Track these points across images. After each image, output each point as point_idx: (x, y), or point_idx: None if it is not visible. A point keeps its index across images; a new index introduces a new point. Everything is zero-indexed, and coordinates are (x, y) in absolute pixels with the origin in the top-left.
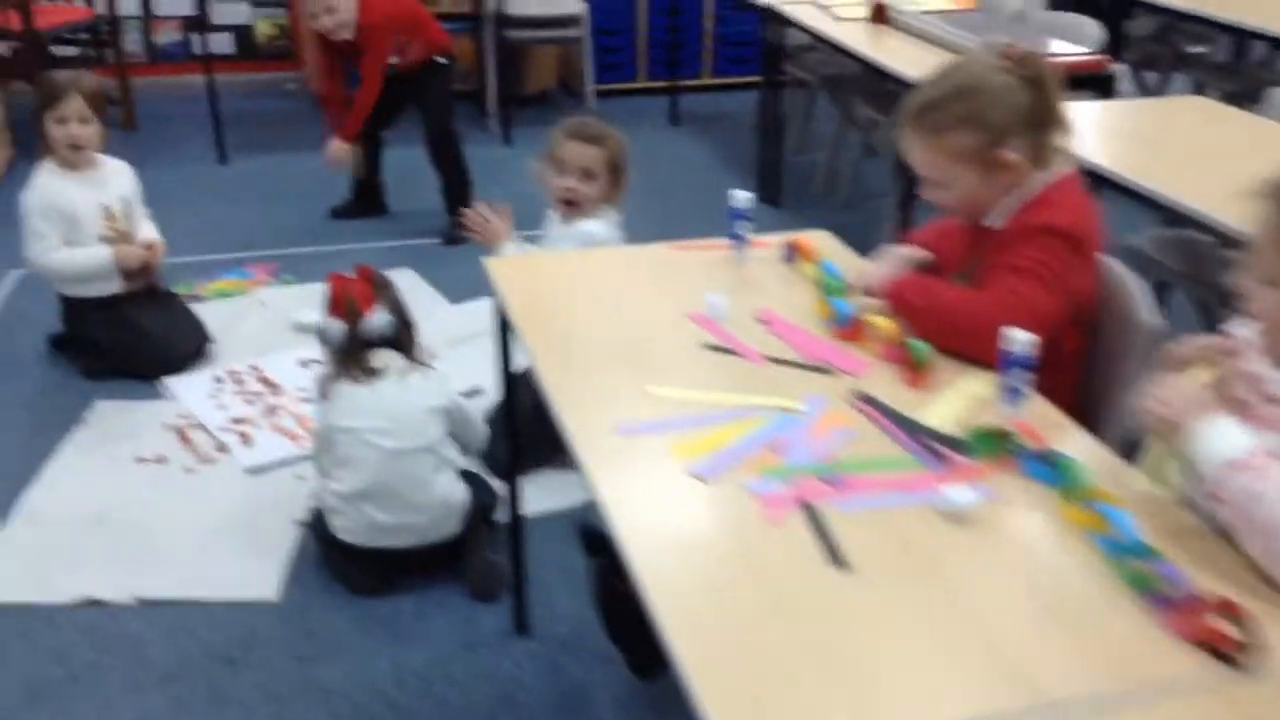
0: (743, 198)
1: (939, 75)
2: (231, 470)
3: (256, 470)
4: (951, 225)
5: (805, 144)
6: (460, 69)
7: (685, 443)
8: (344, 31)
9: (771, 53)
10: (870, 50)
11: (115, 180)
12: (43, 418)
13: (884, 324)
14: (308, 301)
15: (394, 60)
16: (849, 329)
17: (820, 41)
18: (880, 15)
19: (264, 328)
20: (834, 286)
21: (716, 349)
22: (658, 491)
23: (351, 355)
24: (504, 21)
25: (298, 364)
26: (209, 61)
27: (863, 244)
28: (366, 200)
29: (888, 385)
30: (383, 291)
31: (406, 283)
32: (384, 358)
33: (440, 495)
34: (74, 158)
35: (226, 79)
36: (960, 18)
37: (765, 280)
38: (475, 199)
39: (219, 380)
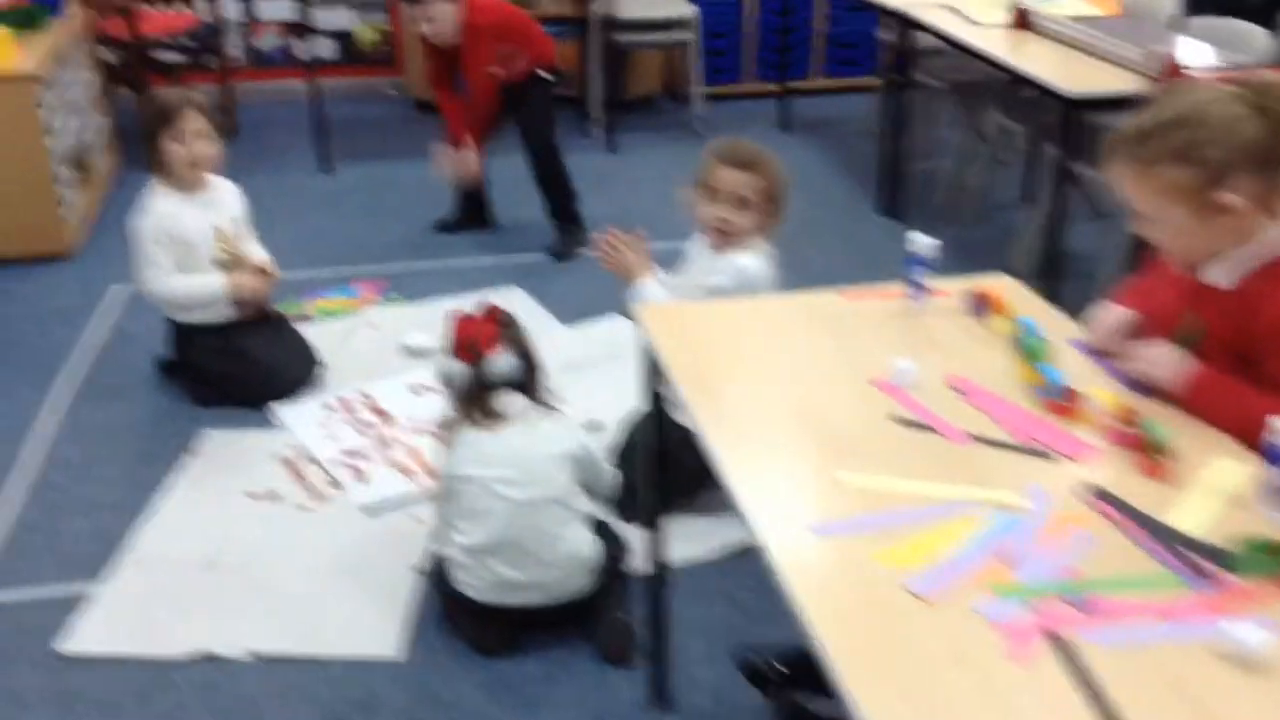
0: (924, 243)
1: (1160, 100)
2: (345, 508)
3: (372, 510)
4: (1161, 280)
5: (925, 152)
6: (562, 73)
7: (893, 547)
8: (445, 38)
9: (896, 57)
10: (1011, 57)
11: (226, 200)
12: (151, 446)
13: (1107, 398)
14: (416, 322)
15: (497, 72)
16: (1063, 402)
17: (953, 46)
18: (1022, 21)
19: (373, 350)
20: (1036, 348)
21: (909, 423)
22: (872, 611)
23: (475, 399)
24: (611, 25)
25: (409, 391)
26: (313, 67)
27: (992, 262)
28: (472, 213)
29: (1120, 475)
30: (507, 332)
31: (516, 303)
32: (509, 401)
33: (570, 549)
34: (193, 177)
35: (328, 84)
36: (1109, 23)
37: (951, 337)
38: (581, 211)
39: (329, 408)
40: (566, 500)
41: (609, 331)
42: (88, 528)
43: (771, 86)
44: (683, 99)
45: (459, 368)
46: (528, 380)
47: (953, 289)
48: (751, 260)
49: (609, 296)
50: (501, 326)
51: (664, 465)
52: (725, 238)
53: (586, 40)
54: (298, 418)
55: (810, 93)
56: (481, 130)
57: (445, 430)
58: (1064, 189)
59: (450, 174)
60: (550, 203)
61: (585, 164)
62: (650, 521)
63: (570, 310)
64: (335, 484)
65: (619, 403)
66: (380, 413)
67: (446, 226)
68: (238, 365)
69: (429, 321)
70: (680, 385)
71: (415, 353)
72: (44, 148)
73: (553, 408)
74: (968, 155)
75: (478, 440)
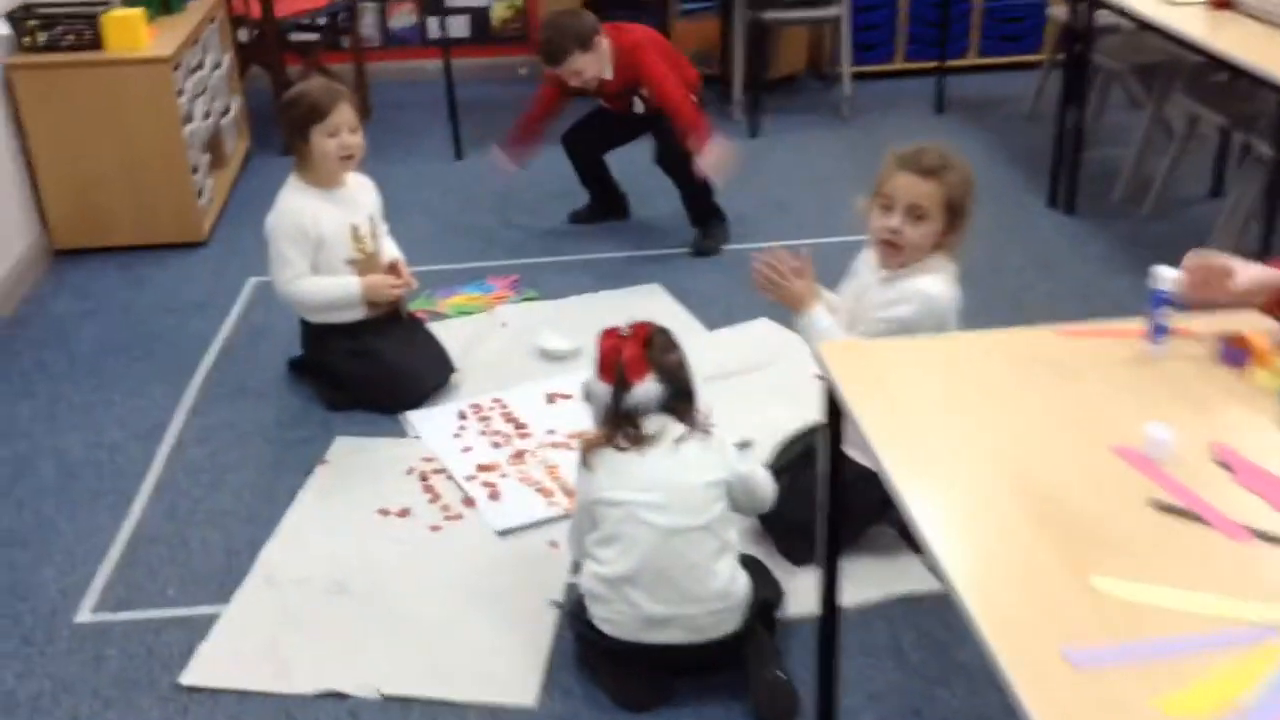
0: (1168, 277)
1: None
2: (478, 530)
3: (507, 532)
4: None
5: (1094, 139)
6: (702, 52)
7: (1180, 691)
8: (597, 78)
9: (1069, 34)
10: (1212, 39)
11: (362, 197)
12: (281, 452)
13: None
14: (552, 322)
15: (640, 108)
16: None
17: (1142, 26)
18: (1224, 0)
19: (506, 351)
20: None
21: (1171, 510)
22: None
23: (620, 421)
24: (757, 1)
25: (544, 399)
26: (447, 46)
27: (1173, 262)
28: (608, 204)
29: None
30: (659, 357)
31: (656, 303)
32: (657, 423)
33: (720, 584)
34: (342, 173)
35: (460, 64)
36: None
37: (1205, 393)
38: (719, 203)
39: (463, 416)
40: (717, 530)
41: (757, 337)
42: (216, 540)
43: (924, 64)
44: (829, 78)
45: (604, 389)
46: (679, 404)
47: (1199, 329)
48: (936, 284)
49: (755, 296)
50: (652, 351)
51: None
52: (894, 253)
53: (730, 16)
54: (431, 426)
55: (966, 71)
56: (592, 143)
57: (585, 451)
58: (1277, 185)
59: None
60: (690, 202)
61: None
62: (827, 562)
63: (714, 311)
64: (469, 501)
65: (769, 417)
66: (515, 422)
67: (581, 217)
68: (371, 369)
69: (565, 321)
70: (876, 443)
71: (551, 356)
72: (181, 136)
73: (706, 431)
74: (1149, 143)
75: (622, 462)
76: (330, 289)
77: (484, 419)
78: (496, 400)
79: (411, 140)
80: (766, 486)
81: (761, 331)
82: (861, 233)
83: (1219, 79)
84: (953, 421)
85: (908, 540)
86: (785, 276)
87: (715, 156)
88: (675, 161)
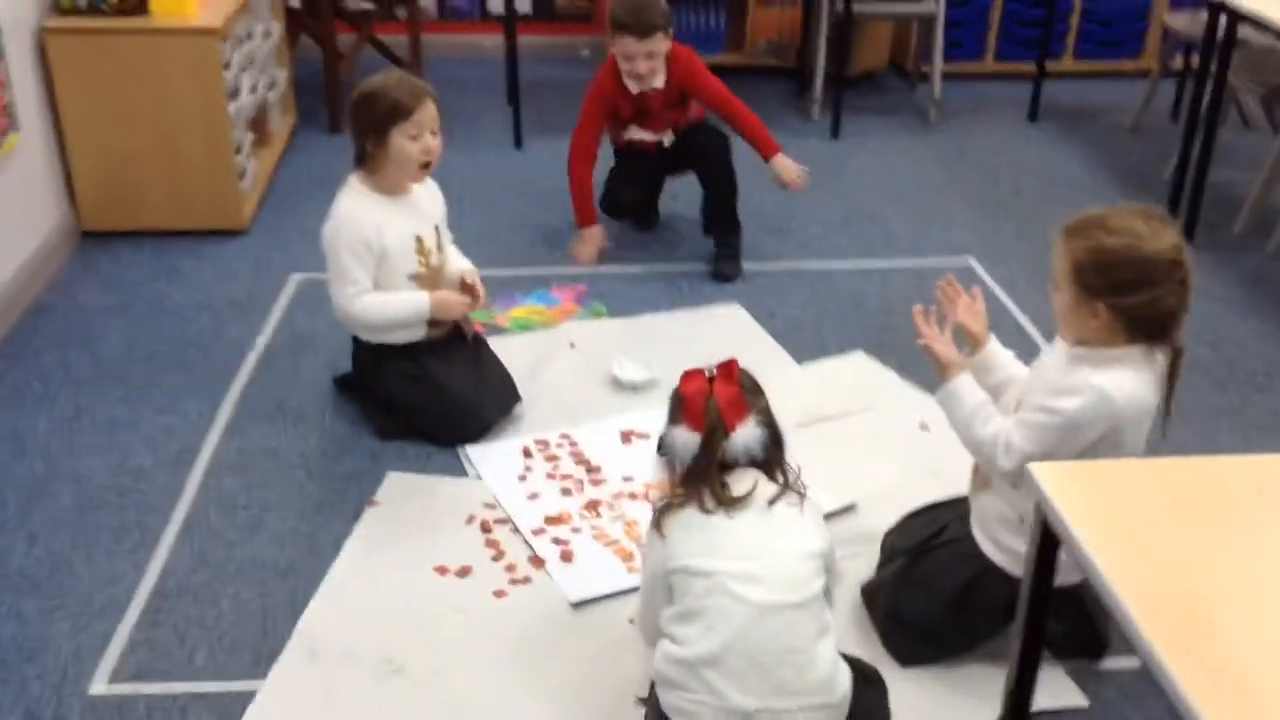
0: None
1: None
2: (548, 598)
3: (582, 604)
4: None
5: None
6: (779, 44)
7: None
8: (656, 80)
9: (1191, 48)
10: None
11: (429, 204)
12: (326, 488)
13: None
14: (624, 344)
15: (669, 140)
16: None
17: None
18: None
19: (573, 376)
20: None
21: None
22: None
23: (707, 478)
24: None
25: (619, 438)
26: (512, 22)
27: None
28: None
29: None
30: (756, 400)
31: (738, 327)
32: (748, 480)
33: (822, 674)
34: (420, 178)
35: (520, 41)
36: None
37: None
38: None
39: (528, 454)
40: (816, 611)
41: (855, 374)
42: (252, 597)
43: (1017, 66)
44: (912, 77)
45: (691, 439)
46: (774, 455)
47: None
48: (1119, 383)
49: (848, 322)
50: (748, 393)
51: (965, 602)
52: (1059, 328)
53: (813, 6)
54: (492, 464)
55: (1059, 75)
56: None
57: (661, 514)
58: None
59: (584, 261)
60: (724, 221)
61: (803, 150)
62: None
63: (802, 339)
64: (538, 561)
65: (867, 472)
66: (587, 465)
67: (646, 223)
68: (429, 397)
69: (638, 344)
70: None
71: (625, 386)
72: (226, 114)
73: (800, 492)
74: (1277, 172)
75: (707, 526)
76: (397, 306)
77: (552, 459)
78: (565, 436)
79: (467, 125)
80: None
81: (859, 367)
82: (959, 251)
83: None
84: (1237, 584)
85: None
86: (932, 337)
87: (793, 165)
88: (725, 199)
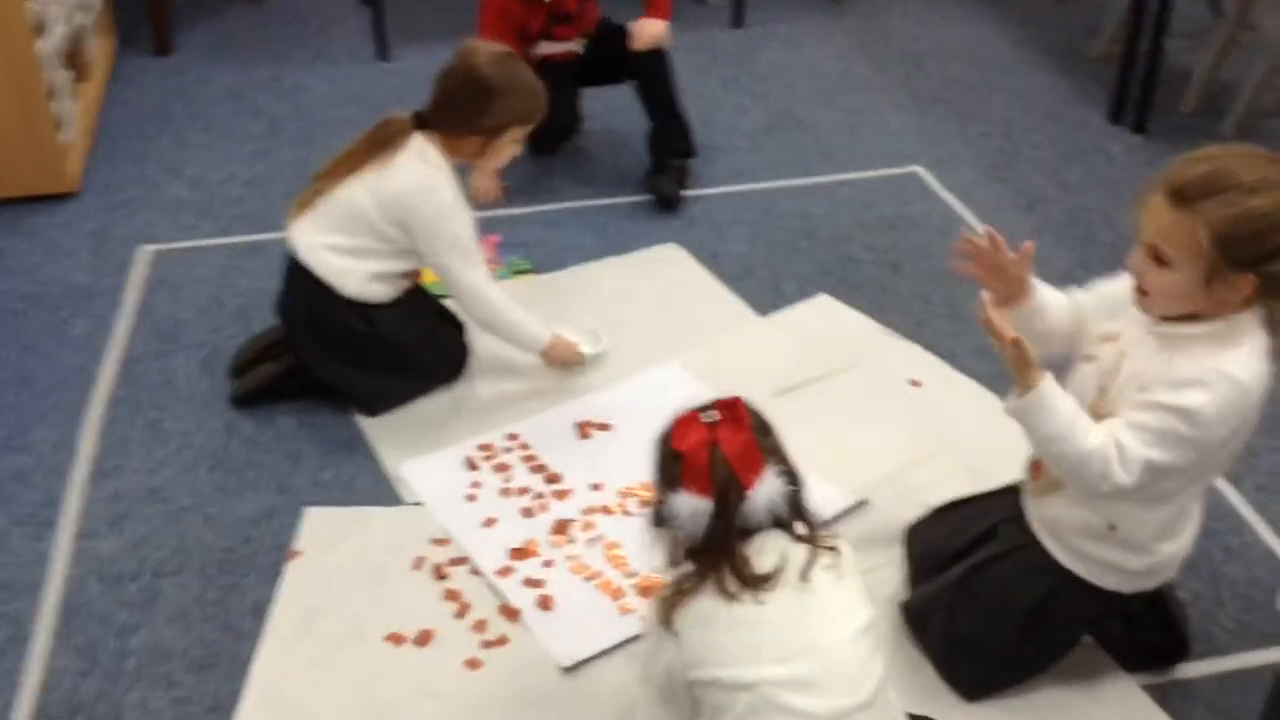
0: None
1: None
2: (533, 661)
3: (576, 666)
4: None
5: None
6: None
7: None
8: None
9: None
10: None
11: None
12: (230, 535)
13: None
14: (555, 307)
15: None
16: None
17: None
18: None
19: (508, 355)
20: None
21: None
22: None
23: (725, 552)
24: None
25: (575, 432)
26: None
27: None
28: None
29: None
30: (768, 442)
31: (684, 274)
32: (772, 549)
33: None
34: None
35: None
36: None
37: None
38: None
39: (472, 466)
40: (885, 706)
41: (828, 324)
42: (162, 707)
43: None
44: None
45: (699, 507)
46: (794, 510)
47: None
48: (1245, 364)
49: (798, 258)
50: (761, 434)
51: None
52: (1146, 301)
53: None
54: (434, 485)
55: None
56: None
57: (668, 609)
58: None
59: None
60: (674, 139)
61: (703, 42)
62: None
63: (755, 283)
64: (510, 611)
65: (871, 451)
66: (544, 471)
67: (543, 146)
68: (430, 331)
69: (573, 304)
70: None
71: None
72: (34, 55)
73: (832, 547)
74: (1228, 48)
75: (736, 619)
76: (523, 320)
77: (502, 469)
78: (512, 437)
79: (319, 36)
80: None
81: (828, 314)
82: (904, 160)
83: None
84: None
85: (1117, 655)
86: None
87: (657, 27)
88: (666, 105)
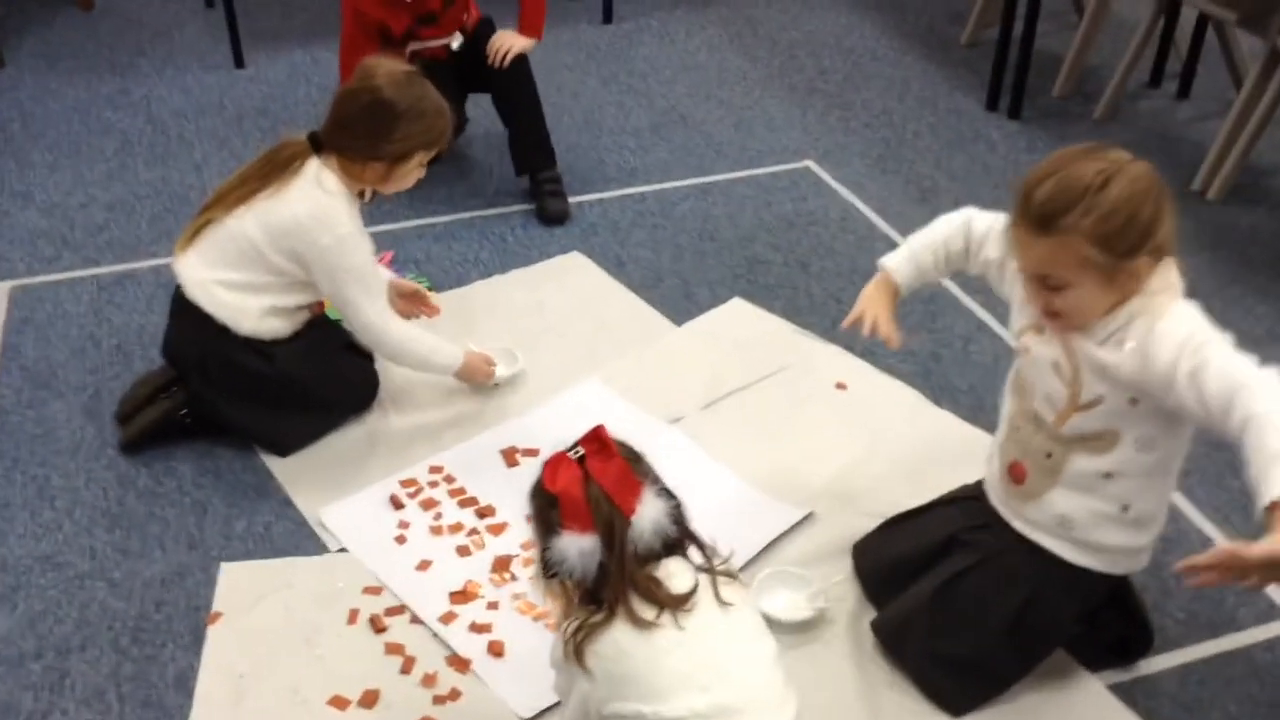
0: None
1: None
2: (491, 713)
3: (537, 717)
4: None
5: (989, 17)
6: None
7: None
8: None
9: None
10: None
11: None
12: (140, 600)
13: None
14: (461, 325)
15: (458, 41)
16: None
17: None
18: None
19: (417, 379)
20: None
21: None
22: None
23: (627, 582)
24: None
25: (500, 460)
26: None
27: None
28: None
29: None
30: (639, 465)
31: (590, 284)
32: (682, 572)
33: None
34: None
35: None
36: None
37: None
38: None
39: (397, 505)
40: None
41: (744, 329)
42: None
43: None
44: None
45: (585, 546)
46: (681, 530)
47: None
48: (1175, 317)
49: (704, 261)
50: (633, 459)
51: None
52: (1064, 325)
53: None
54: (358, 529)
55: None
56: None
57: (579, 640)
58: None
59: None
60: (538, 150)
61: (575, 39)
62: None
63: (666, 291)
64: (459, 662)
65: (807, 458)
66: (474, 505)
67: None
68: (330, 365)
69: (480, 323)
70: None
71: (491, 384)
72: None
73: (729, 574)
74: (1094, 30)
75: (654, 647)
76: (432, 347)
77: (429, 505)
78: (436, 469)
79: (163, 42)
80: None
81: (745, 319)
82: (795, 155)
83: None
84: None
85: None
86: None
87: (510, 42)
88: (529, 115)
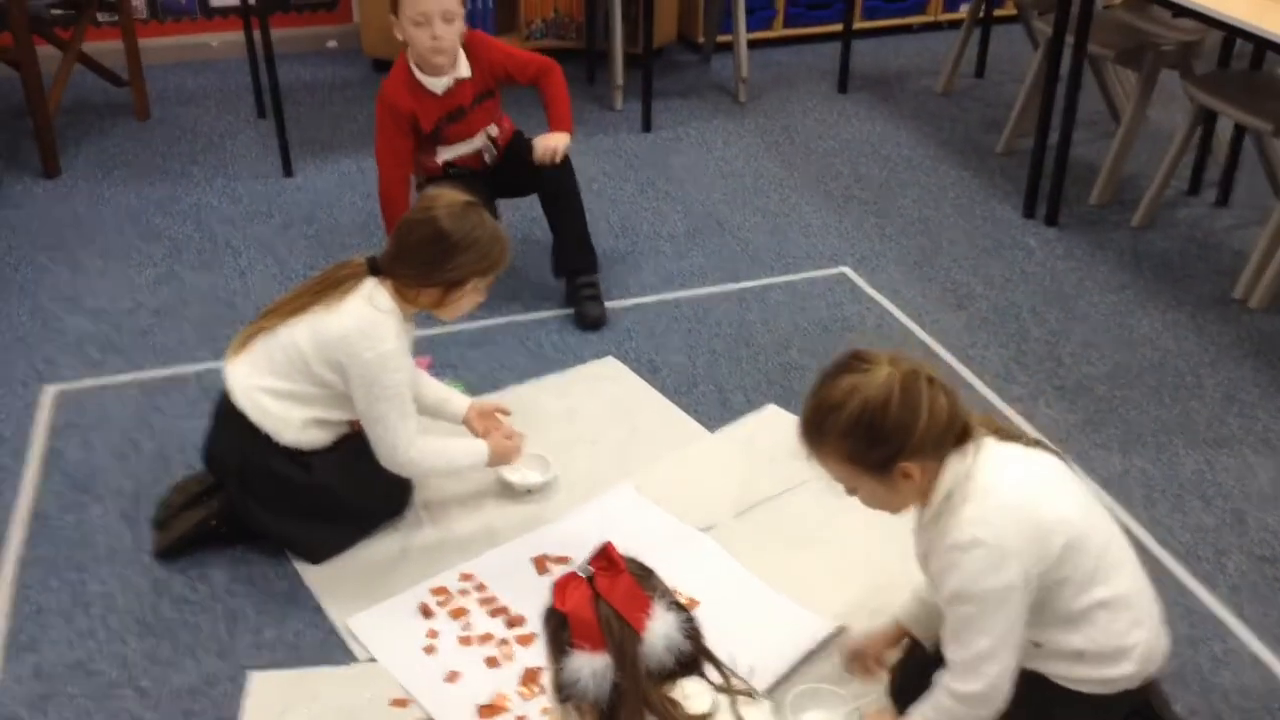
0: None
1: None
2: None
3: None
4: None
5: (1025, 126)
6: (559, 22)
7: None
8: (445, 60)
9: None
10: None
11: None
12: (170, 711)
13: None
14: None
15: (490, 155)
16: None
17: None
18: None
19: (451, 486)
20: None
21: None
22: None
23: (641, 701)
24: None
25: (531, 568)
26: (250, 16)
27: (1201, 285)
28: None
29: None
30: (649, 581)
31: (624, 390)
32: (700, 692)
33: None
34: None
35: (237, 39)
36: None
37: None
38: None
39: (427, 614)
40: None
41: (777, 436)
42: None
43: (808, 30)
44: (704, 50)
45: (597, 666)
46: (696, 647)
47: None
48: (982, 519)
49: (740, 368)
50: (641, 576)
51: None
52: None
53: None
54: (387, 639)
55: (857, 35)
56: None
57: None
58: None
59: None
60: (580, 254)
61: (614, 147)
62: None
63: (701, 395)
64: None
65: (838, 574)
66: (505, 614)
67: None
68: (365, 471)
69: (520, 428)
70: None
71: (520, 492)
72: None
73: (749, 693)
74: (1130, 139)
75: None
76: (455, 452)
77: (459, 614)
78: (466, 577)
79: (215, 152)
80: None
81: (779, 426)
82: (830, 260)
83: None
84: None
85: None
86: None
87: (560, 138)
88: (563, 188)
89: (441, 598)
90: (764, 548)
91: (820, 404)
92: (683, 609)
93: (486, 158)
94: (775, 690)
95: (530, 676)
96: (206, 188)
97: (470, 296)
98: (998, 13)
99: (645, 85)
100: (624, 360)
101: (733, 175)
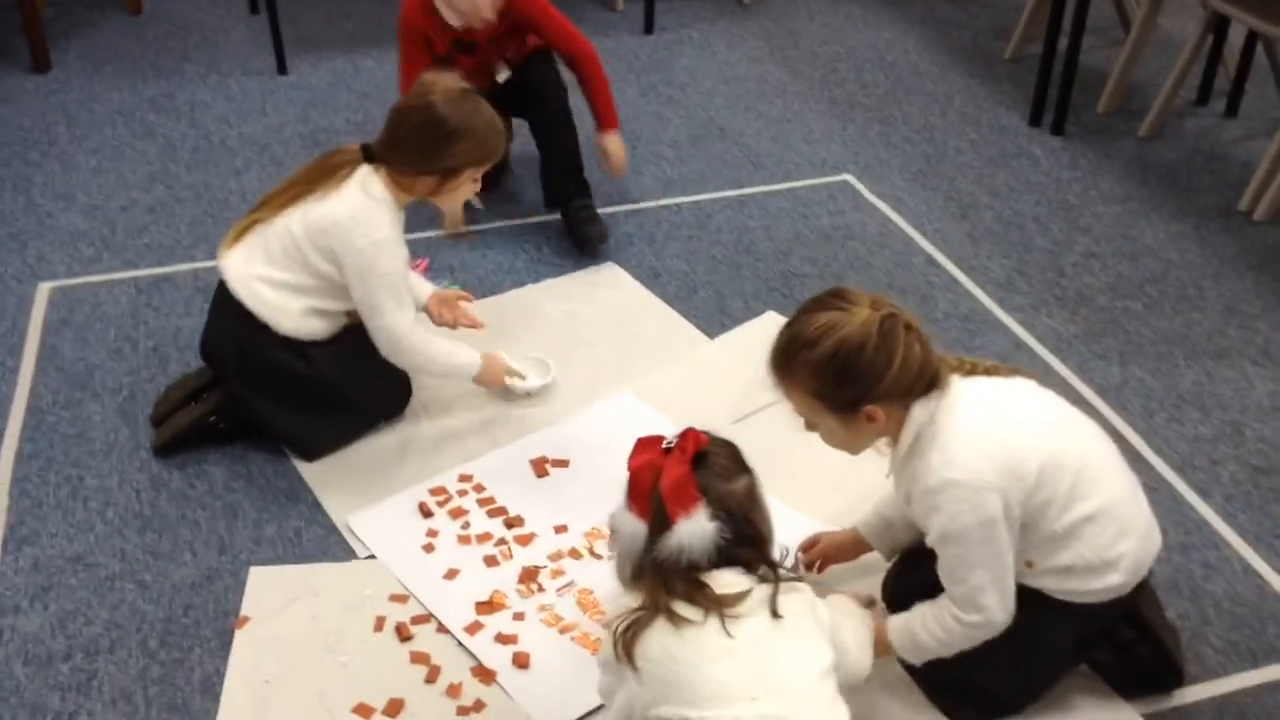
0: None
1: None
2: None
3: None
4: None
5: (1034, 32)
6: None
7: None
8: (481, 13)
9: None
10: None
11: None
12: (168, 603)
13: None
14: (495, 335)
15: (504, 74)
16: None
17: None
18: None
19: (450, 388)
20: None
21: None
22: None
23: (660, 579)
24: None
25: (530, 470)
26: None
27: (1205, 198)
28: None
29: None
30: (716, 484)
31: (624, 296)
32: (734, 581)
33: None
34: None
35: None
36: None
37: None
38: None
39: (426, 514)
40: None
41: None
42: None
43: None
44: None
45: (636, 529)
46: (745, 553)
47: None
48: (950, 460)
49: (740, 274)
50: (704, 474)
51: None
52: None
53: None
54: (387, 537)
55: None
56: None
57: (628, 637)
58: None
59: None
60: (573, 181)
61: (615, 50)
62: None
63: (700, 302)
64: (484, 673)
65: (835, 483)
66: (503, 515)
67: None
68: (364, 368)
69: (514, 331)
70: None
71: (519, 394)
72: None
73: (795, 577)
74: (1140, 47)
75: (700, 651)
76: (449, 354)
77: (458, 514)
78: (465, 478)
79: (208, 48)
80: (857, 649)
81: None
82: (834, 168)
83: None
84: None
85: (1114, 684)
86: None
87: (623, 148)
88: (566, 148)
89: (441, 498)
90: (760, 454)
91: (795, 337)
92: (741, 525)
93: (499, 78)
94: None
95: (528, 575)
96: (200, 85)
97: (467, 186)
98: None
99: None
100: (624, 266)
101: (735, 80)
